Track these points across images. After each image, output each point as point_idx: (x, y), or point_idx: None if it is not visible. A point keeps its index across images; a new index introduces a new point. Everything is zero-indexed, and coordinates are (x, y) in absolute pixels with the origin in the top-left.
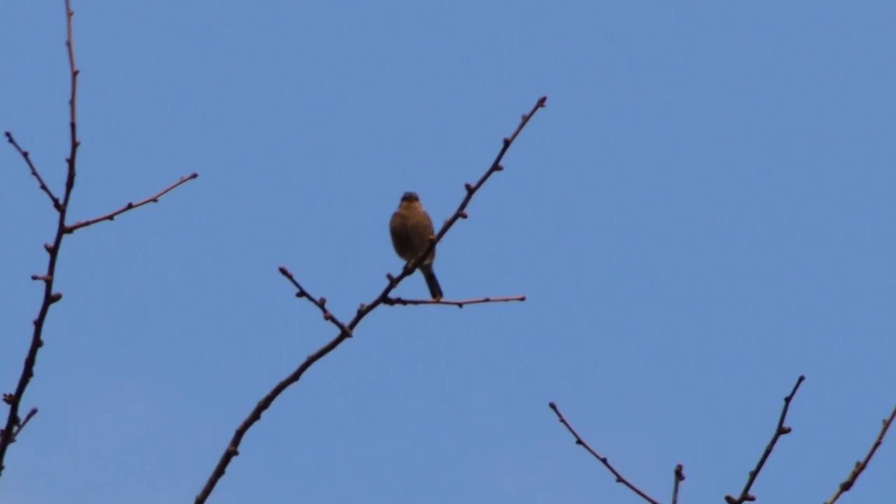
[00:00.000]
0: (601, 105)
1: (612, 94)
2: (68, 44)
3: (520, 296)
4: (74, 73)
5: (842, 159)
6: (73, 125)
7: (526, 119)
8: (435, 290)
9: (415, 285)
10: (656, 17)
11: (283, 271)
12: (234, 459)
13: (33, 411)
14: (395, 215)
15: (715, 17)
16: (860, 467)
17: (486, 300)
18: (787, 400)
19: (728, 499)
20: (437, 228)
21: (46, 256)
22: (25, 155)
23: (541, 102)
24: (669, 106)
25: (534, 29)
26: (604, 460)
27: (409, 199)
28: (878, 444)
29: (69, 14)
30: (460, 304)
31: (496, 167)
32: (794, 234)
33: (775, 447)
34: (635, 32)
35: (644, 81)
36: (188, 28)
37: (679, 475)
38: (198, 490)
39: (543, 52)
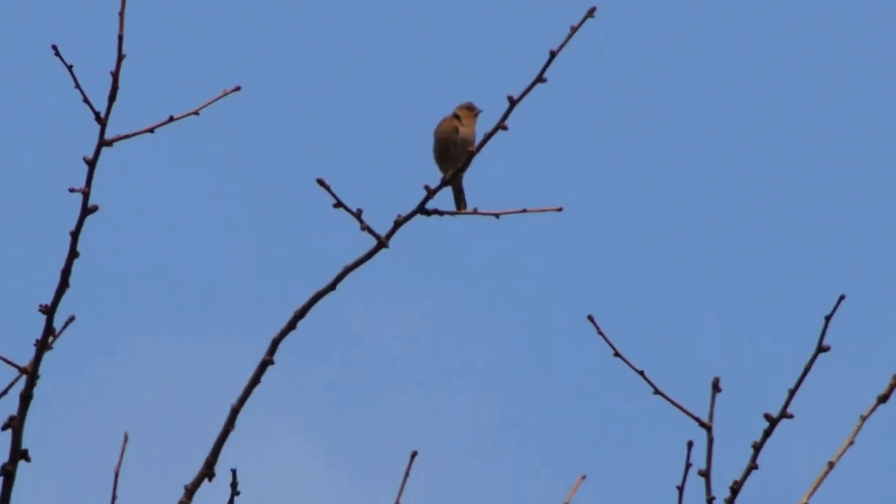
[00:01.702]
0: (647, 20)
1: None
2: None
3: (557, 207)
4: None
5: (846, 159)
6: (120, 38)
7: (574, 30)
8: (461, 203)
9: (451, 197)
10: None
11: (321, 182)
12: (269, 368)
13: (71, 318)
14: (448, 121)
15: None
16: None
17: (524, 211)
18: (828, 318)
19: (767, 416)
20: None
21: (86, 169)
22: (70, 68)
23: (590, 13)
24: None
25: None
26: (641, 372)
27: (471, 108)
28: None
29: None
30: (497, 215)
31: (540, 79)
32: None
33: (815, 365)
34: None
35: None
36: None
37: (716, 388)
38: (233, 398)
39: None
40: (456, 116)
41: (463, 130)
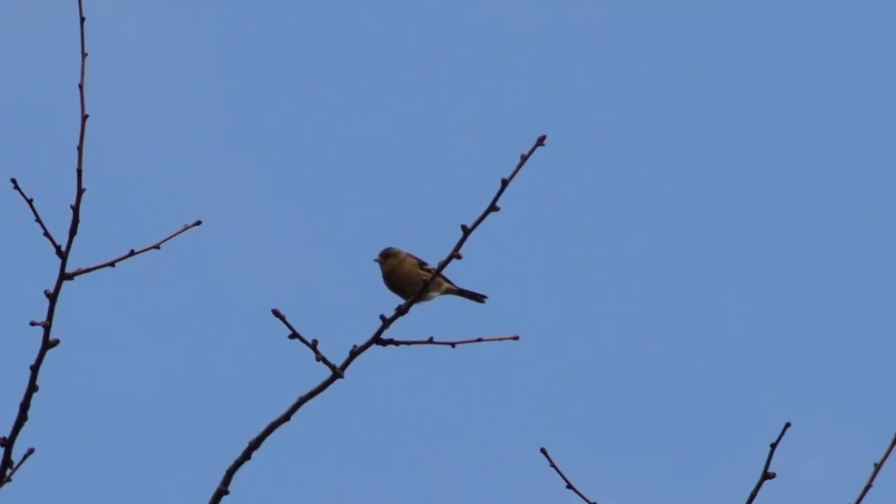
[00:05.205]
0: (601, 143)
1: (611, 133)
2: (80, 87)
3: (513, 335)
4: (84, 118)
5: (842, 160)
6: (79, 171)
7: (525, 159)
8: (476, 296)
9: (408, 326)
10: (650, 51)
11: (276, 313)
12: (224, 499)
13: (29, 451)
14: (382, 273)
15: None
16: None
17: (479, 340)
18: (773, 446)
19: None
20: (432, 262)
21: (47, 302)
22: (30, 202)
23: (540, 141)
24: (668, 146)
25: (534, 69)
26: None
27: (384, 256)
28: (868, 486)
29: (83, 56)
30: (453, 345)
31: (493, 208)
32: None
33: (764, 491)
34: (632, 69)
35: (643, 120)
36: (192, 77)
37: None
38: None
39: (544, 92)
40: (384, 266)
41: (396, 273)
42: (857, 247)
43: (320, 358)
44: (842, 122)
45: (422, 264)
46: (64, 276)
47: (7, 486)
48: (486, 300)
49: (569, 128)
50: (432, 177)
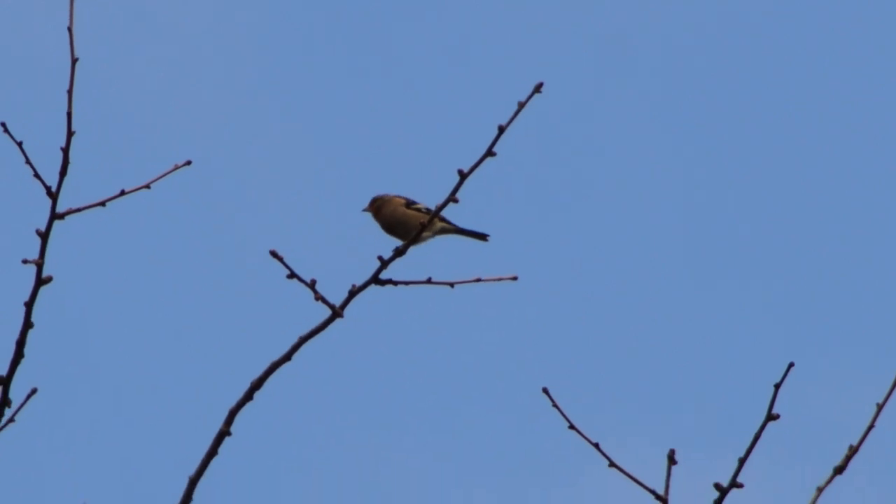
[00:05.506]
0: (597, 90)
1: (607, 80)
2: (69, 29)
3: (512, 275)
4: (74, 61)
5: (843, 161)
6: (69, 114)
7: (522, 106)
8: (478, 235)
9: (407, 267)
10: (652, 9)
11: (274, 254)
12: (226, 440)
13: (32, 391)
14: (376, 220)
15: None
16: (853, 451)
17: (478, 280)
18: (777, 386)
19: (717, 486)
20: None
21: (39, 242)
22: (20, 144)
23: (537, 88)
24: (663, 94)
25: (531, 14)
26: (596, 445)
27: (373, 204)
28: (871, 427)
29: None
30: (452, 285)
31: (490, 153)
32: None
33: (767, 433)
34: (631, 23)
35: (640, 69)
36: (185, 18)
37: (672, 460)
38: (191, 470)
39: (541, 37)
40: (374, 215)
41: (390, 219)
42: (863, 188)
43: (319, 297)
44: (842, 122)
45: (409, 203)
46: (55, 216)
47: (11, 426)
48: (488, 238)
49: (566, 76)
50: (431, 124)
